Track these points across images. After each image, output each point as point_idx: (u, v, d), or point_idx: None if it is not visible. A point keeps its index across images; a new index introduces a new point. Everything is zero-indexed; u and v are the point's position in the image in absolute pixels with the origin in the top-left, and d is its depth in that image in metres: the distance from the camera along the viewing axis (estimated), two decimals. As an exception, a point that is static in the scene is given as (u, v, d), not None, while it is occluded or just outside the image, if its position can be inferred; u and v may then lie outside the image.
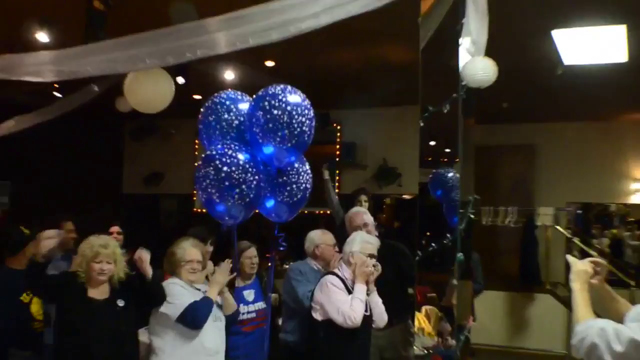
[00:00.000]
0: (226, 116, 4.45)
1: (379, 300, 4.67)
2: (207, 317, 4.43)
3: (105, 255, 4.31)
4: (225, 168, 4.16)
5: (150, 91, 4.95)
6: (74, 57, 4.01)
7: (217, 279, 4.63)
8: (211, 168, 4.19)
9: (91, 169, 11.94)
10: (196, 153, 11.88)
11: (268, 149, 4.22)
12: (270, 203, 4.62)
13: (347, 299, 4.48)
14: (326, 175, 6.82)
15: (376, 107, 10.54)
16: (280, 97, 4.19)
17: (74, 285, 4.31)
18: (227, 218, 4.37)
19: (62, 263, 5.51)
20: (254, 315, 5.29)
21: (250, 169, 4.22)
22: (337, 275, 4.65)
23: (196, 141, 11.84)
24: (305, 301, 5.03)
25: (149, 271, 4.36)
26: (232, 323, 4.85)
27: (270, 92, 4.24)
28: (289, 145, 4.20)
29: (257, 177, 4.24)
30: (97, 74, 4.02)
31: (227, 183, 4.17)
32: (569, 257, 2.93)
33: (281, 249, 4.75)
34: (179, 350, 4.40)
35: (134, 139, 12.56)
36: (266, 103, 4.17)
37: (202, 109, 4.52)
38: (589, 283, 2.79)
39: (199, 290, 4.56)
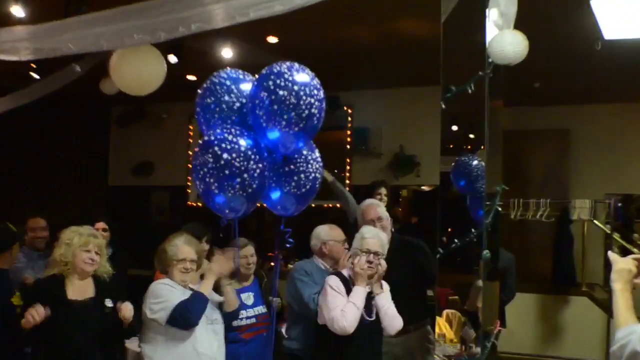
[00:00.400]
0: (226, 98, 4.41)
1: (390, 305, 4.67)
2: (200, 314, 4.42)
3: (96, 245, 4.38)
4: (225, 155, 4.13)
5: (139, 71, 4.95)
6: (53, 33, 4.01)
7: (213, 268, 4.64)
8: (209, 155, 4.16)
9: (73, 160, 11.99)
10: (190, 140, 11.90)
11: (273, 134, 4.19)
12: (275, 194, 4.59)
13: (342, 302, 4.50)
14: (329, 176, 6.81)
15: (392, 88, 10.51)
16: (286, 76, 4.13)
17: (50, 288, 4.33)
18: (227, 211, 4.34)
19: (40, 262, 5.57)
20: (253, 320, 5.28)
21: (253, 156, 4.19)
22: (341, 276, 4.67)
23: (190, 127, 11.87)
24: (312, 305, 5.03)
25: (129, 314, 4.36)
26: (231, 320, 4.88)
27: (275, 71, 4.19)
28: (297, 129, 4.16)
29: (260, 165, 4.22)
30: (80, 52, 4.02)
31: (227, 172, 4.15)
32: (611, 254, 2.87)
33: (288, 245, 4.73)
34: (170, 357, 4.42)
35: (120, 125, 12.56)
36: (270, 83, 4.11)
37: (199, 91, 4.49)
38: (632, 283, 2.76)
39: (193, 290, 4.57)
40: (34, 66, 8.02)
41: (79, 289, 4.38)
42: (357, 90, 10.61)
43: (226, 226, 4.42)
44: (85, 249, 4.35)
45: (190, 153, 11.94)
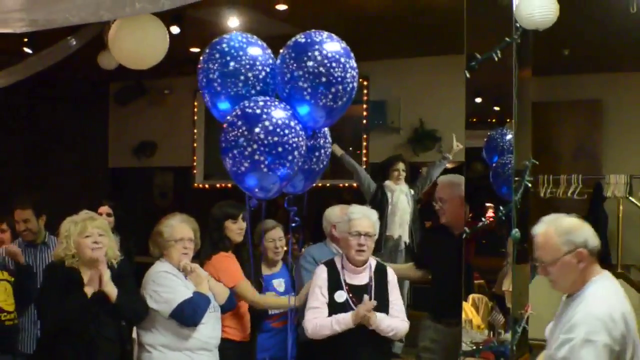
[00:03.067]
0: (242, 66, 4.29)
1: (391, 320, 4.70)
2: (204, 313, 4.57)
3: (96, 227, 4.39)
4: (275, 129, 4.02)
5: (140, 42, 4.92)
6: (48, 3, 4.00)
7: (201, 273, 4.73)
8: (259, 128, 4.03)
9: (70, 140, 12.01)
10: (195, 118, 11.90)
11: (303, 109, 4.13)
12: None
13: (318, 302, 4.59)
14: (339, 150, 6.79)
15: (410, 58, 10.47)
16: (317, 47, 4.08)
17: (63, 275, 4.35)
18: (257, 190, 4.23)
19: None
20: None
21: (298, 131, 4.10)
22: (332, 267, 4.73)
23: (195, 103, 11.85)
24: None
25: (112, 291, 4.37)
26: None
27: (304, 41, 4.15)
28: (329, 103, 4.10)
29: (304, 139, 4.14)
30: (78, 23, 4.01)
31: (279, 149, 4.03)
32: None
33: (293, 225, 4.76)
34: (173, 346, 4.52)
35: (120, 102, 12.57)
36: (293, 54, 4.09)
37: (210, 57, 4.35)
38: None
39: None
40: (26, 40, 8.02)
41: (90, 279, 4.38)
42: (373, 61, 10.51)
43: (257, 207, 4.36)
44: (85, 235, 4.35)
45: (196, 131, 11.96)
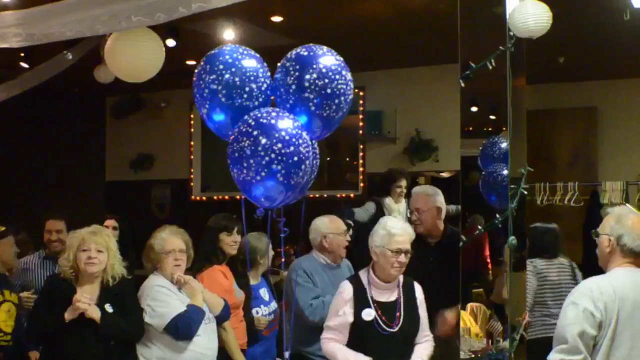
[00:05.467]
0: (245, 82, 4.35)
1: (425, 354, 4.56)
2: (198, 326, 4.58)
3: (94, 242, 4.36)
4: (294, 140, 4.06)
5: (136, 55, 4.94)
6: (44, 17, 4.02)
7: (195, 286, 4.73)
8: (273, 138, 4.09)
9: (67, 154, 12.01)
10: (192, 130, 11.91)
11: (302, 119, 4.20)
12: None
13: (337, 319, 4.46)
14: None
15: (406, 68, 10.47)
16: (312, 60, 4.17)
17: (58, 289, 4.37)
18: (263, 200, 4.27)
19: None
20: (272, 317, 5.42)
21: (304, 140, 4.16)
22: (357, 283, 4.53)
23: (192, 116, 11.87)
24: (307, 312, 5.13)
25: (96, 315, 4.33)
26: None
27: (293, 56, 4.23)
28: (325, 114, 4.19)
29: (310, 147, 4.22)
30: (74, 37, 4.03)
31: (295, 158, 4.08)
32: None
33: (282, 235, 4.80)
34: (169, 359, 4.57)
35: (116, 116, 12.57)
36: (291, 69, 4.16)
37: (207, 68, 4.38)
38: None
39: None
40: (22, 55, 8.05)
41: (87, 293, 4.38)
42: (369, 71, 10.55)
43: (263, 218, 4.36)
44: (83, 249, 4.36)
45: (193, 143, 11.97)
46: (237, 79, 4.13)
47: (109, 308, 4.42)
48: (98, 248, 4.38)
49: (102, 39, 5.48)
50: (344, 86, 4.20)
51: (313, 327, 5.00)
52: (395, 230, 4.43)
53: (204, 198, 11.93)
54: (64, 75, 6.81)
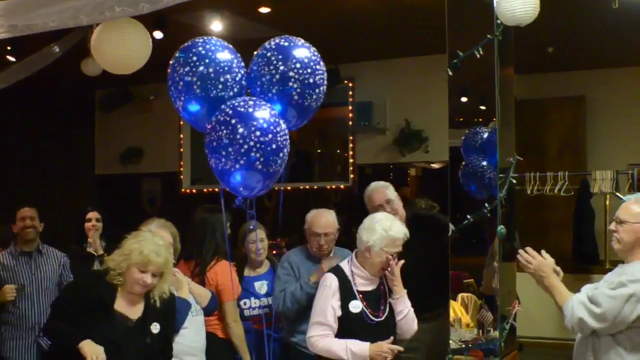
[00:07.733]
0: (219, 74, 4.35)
1: (410, 309, 4.50)
2: (184, 319, 4.53)
3: (155, 266, 4.08)
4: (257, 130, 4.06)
5: (123, 46, 4.90)
6: (27, 8, 3.97)
7: (180, 278, 4.67)
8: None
9: (56, 148, 11.96)
10: (181, 123, 11.86)
11: (276, 107, 4.21)
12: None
13: (325, 313, 4.36)
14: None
15: (395, 58, 10.47)
16: (286, 51, 4.20)
17: (98, 292, 4.15)
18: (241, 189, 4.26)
19: None
20: (267, 310, 5.36)
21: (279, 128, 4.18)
22: (341, 274, 4.46)
23: (180, 108, 11.81)
24: (275, 304, 5.13)
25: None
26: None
27: (273, 46, 4.24)
28: (307, 104, 4.23)
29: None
30: (58, 28, 3.98)
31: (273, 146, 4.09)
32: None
33: (251, 227, 4.75)
34: None
35: (105, 109, 12.51)
36: (272, 58, 4.18)
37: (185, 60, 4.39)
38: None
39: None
40: (9, 48, 8.00)
41: (128, 304, 4.17)
42: (358, 62, 10.56)
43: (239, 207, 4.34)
44: (142, 269, 4.07)
45: (182, 136, 11.94)
46: (211, 70, 4.14)
47: (155, 328, 4.19)
48: (154, 272, 4.10)
49: (89, 31, 5.44)
50: (323, 77, 4.27)
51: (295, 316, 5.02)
52: (395, 233, 4.35)
53: (194, 191, 11.90)
54: (52, 68, 6.77)
